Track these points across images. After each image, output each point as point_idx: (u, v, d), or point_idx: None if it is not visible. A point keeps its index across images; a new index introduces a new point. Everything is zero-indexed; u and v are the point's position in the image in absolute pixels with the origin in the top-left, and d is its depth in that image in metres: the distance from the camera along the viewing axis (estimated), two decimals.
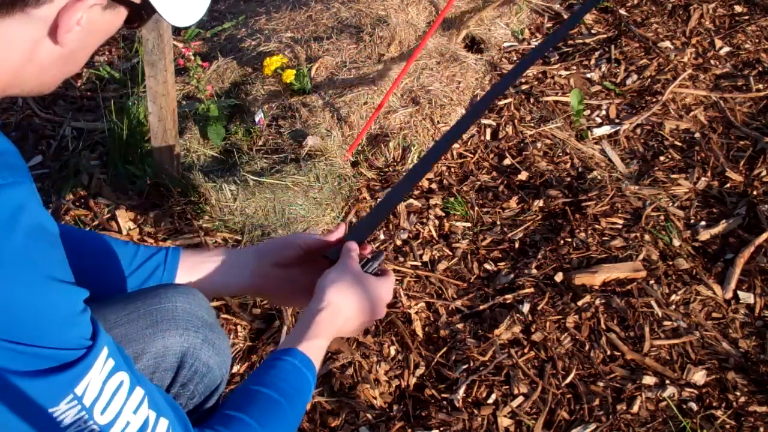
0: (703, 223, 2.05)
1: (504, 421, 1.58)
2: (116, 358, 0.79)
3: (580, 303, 1.80)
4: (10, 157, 0.73)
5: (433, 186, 2.23)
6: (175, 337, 1.02)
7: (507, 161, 2.30)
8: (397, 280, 1.92)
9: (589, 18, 2.94)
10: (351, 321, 1.04)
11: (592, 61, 2.71)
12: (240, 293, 1.17)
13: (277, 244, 1.18)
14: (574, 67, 2.70)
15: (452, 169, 2.29)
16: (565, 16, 2.96)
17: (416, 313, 1.83)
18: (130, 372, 0.80)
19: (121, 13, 0.83)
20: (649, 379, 1.64)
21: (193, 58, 2.22)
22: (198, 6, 0.92)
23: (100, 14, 0.80)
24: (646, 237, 1.98)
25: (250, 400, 0.92)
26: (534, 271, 1.91)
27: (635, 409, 1.58)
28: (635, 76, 2.62)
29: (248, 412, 0.91)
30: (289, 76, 2.36)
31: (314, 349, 0.99)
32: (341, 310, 1.02)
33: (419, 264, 1.97)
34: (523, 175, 2.24)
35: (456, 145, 2.36)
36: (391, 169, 2.27)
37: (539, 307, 1.80)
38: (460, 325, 1.80)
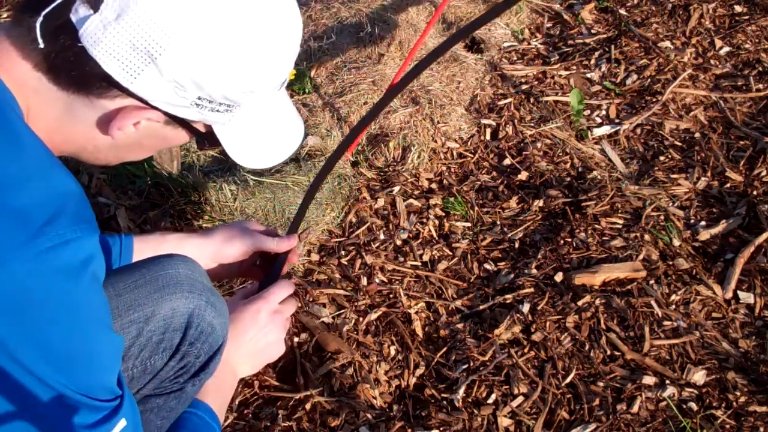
0: (703, 223, 2.05)
1: (504, 421, 1.58)
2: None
3: (580, 303, 1.80)
4: (82, 206, 0.77)
5: (433, 186, 2.23)
6: (181, 299, 1.07)
7: (507, 161, 2.30)
8: (397, 280, 1.92)
9: (589, 18, 2.94)
10: (238, 347, 1.16)
11: (592, 61, 2.71)
12: None
13: (240, 251, 1.27)
14: (574, 67, 2.70)
15: (452, 169, 2.29)
16: (565, 17, 2.96)
17: (416, 313, 1.83)
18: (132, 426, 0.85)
19: (182, 133, 0.89)
20: (649, 379, 1.64)
21: None
22: (268, 158, 0.98)
23: (160, 126, 0.85)
24: (646, 237, 1.98)
25: None
26: (534, 271, 1.91)
27: (635, 409, 1.58)
28: (635, 76, 2.62)
29: None
30: (289, 76, 2.36)
31: (211, 395, 1.11)
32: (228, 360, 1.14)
33: (419, 264, 1.97)
34: (523, 175, 2.24)
35: (456, 145, 2.36)
36: (391, 169, 2.27)
37: (539, 307, 1.80)
38: (460, 325, 1.80)
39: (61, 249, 0.70)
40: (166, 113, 0.82)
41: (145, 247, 1.23)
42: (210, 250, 1.25)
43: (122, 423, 0.80)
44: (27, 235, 0.68)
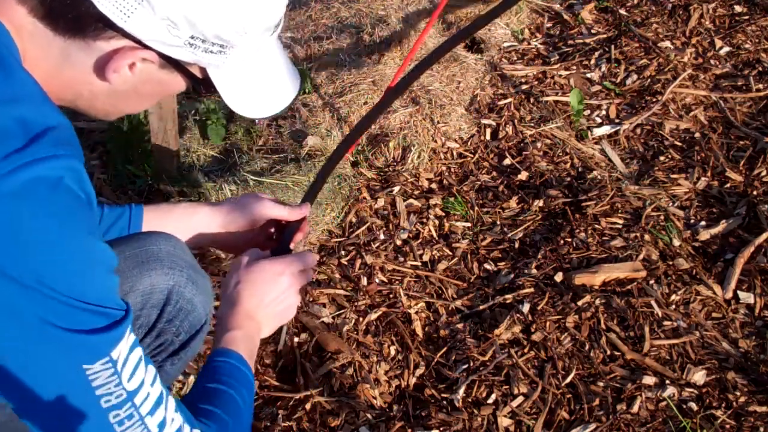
0: (703, 223, 2.05)
1: (504, 421, 1.58)
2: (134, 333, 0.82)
3: (580, 303, 1.80)
4: (65, 131, 0.76)
5: (433, 186, 2.23)
6: (161, 275, 1.06)
7: (507, 161, 2.30)
8: (397, 280, 1.92)
9: (589, 18, 2.94)
10: (263, 306, 1.10)
11: (592, 61, 2.71)
12: (193, 248, 1.24)
13: (249, 218, 1.23)
14: (574, 67, 2.70)
15: (452, 169, 2.29)
16: (565, 17, 2.96)
17: (416, 313, 1.83)
18: (143, 349, 0.82)
19: (178, 78, 0.88)
20: (649, 379, 1.64)
21: None
22: (264, 107, 0.96)
23: (155, 69, 0.85)
24: (646, 237, 1.98)
25: (216, 396, 0.96)
26: (534, 271, 1.91)
27: (635, 409, 1.58)
28: (635, 76, 2.62)
29: (219, 406, 0.94)
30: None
31: (242, 344, 1.04)
32: (250, 301, 1.08)
33: (419, 264, 1.97)
34: (523, 175, 2.24)
35: (456, 145, 2.36)
36: (391, 169, 2.27)
37: (539, 307, 1.80)
38: (460, 325, 1.80)
39: (40, 163, 0.70)
40: (160, 54, 0.82)
41: (153, 216, 1.21)
42: (220, 217, 1.22)
43: (128, 334, 0.78)
44: (6, 151, 0.69)
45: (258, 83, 0.93)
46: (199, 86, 0.89)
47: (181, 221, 1.22)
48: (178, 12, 0.78)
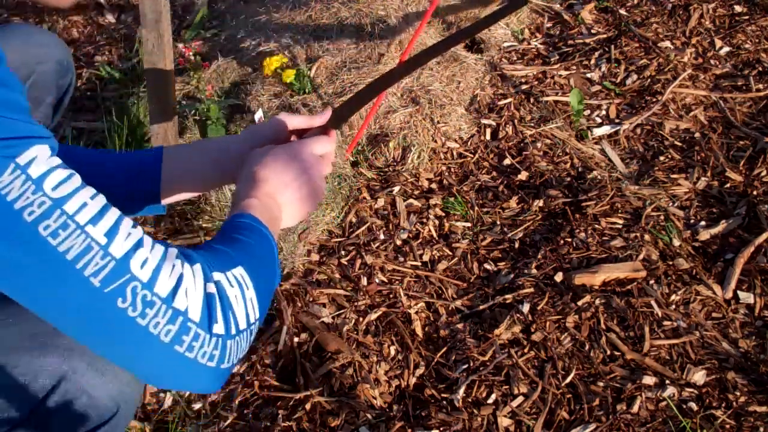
0: (703, 223, 2.05)
1: (504, 421, 1.58)
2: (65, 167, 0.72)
3: (580, 303, 1.80)
4: None
5: (433, 186, 2.23)
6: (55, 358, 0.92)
7: (507, 161, 2.30)
8: (397, 280, 1.92)
9: (589, 18, 2.94)
10: (283, 187, 1.00)
11: (592, 61, 2.71)
12: (227, 182, 1.19)
13: (269, 134, 1.16)
14: (574, 67, 2.69)
15: (452, 169, 2.29)
16: (565, 17, 2.96)
17: (416, 313, 1.83)
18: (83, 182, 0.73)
19: None
20: (649, 379, 1.64)
21: (193, 58, 2.22)
22: None
23: None
24: (646, 237, 1.98)
25: (233, 240, 0.86)
26: (534, 271, 1.91)
27: (635, 409, 1.58)
28: (635, 76, 2.62)
29: (223, 243, 0.85)
30: (289, 76, 2.36)
31: (258, 211, 0.93)
32: (269, 181, 0.99)
33: (419, 264, 1.97)
34: (523, 175, 2.24)
35: (456, 145, 2.36)
36: (391, 169, 2.27)
37: (539, 307, 1.80)
38: (460, 325, 1.80)
39: None
40: None
41: (174, 151, 1.16)
42: (242, 134, 1.16)
43: (43, 148, 0.69)
44: None
45: None
46: None
47: (203, 144, 1.17)
48: None
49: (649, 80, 2.59)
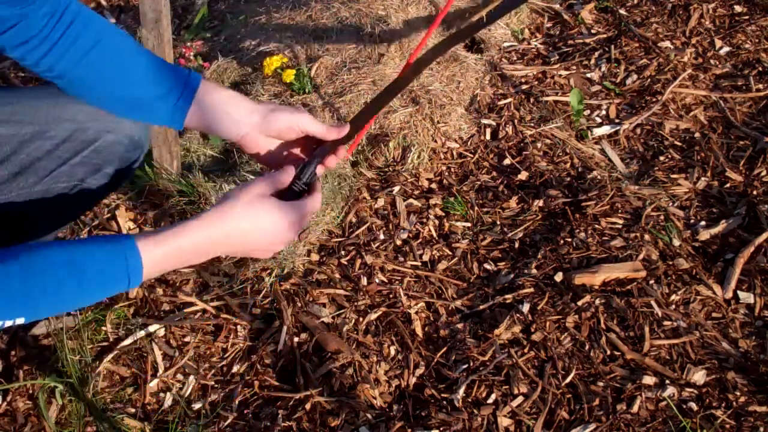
0: (703, 223, 2.05)
1: (504, 421, 1.58)
2: None
3: (580, 303, 1.80)
4: None
5: (433, 186, 2.23)
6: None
7: (507, 161, 2.30)
8: (397, 280, 1.92)
9: (589, 18, 2.94)
10: (238, 244, 1.03)
11: (592, 61, 2.71)
12: (231, 141, 1.21)
13: (284, 124, 1.17)
14: (574, 67, 2.70)
15: (452, 169, 2.29)
16: (565, 17, 2.96)
17: (416, 313, 1.83)
18: None
19: None
20: (649, 379, 1.64)
21: (193, 58, 2.22)
22: None
23: None
24: (646, 237, 1.98)
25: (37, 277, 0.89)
26: (534, 271, 1.91)
27: (635, 409, 1.58)
28: (635, 76, 2.62)
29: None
30: (289, 76, 2.36)
31: (163, 256, 0.97)
32: (231, 234, 1.01)
33: (419, 264, 1.97)
34: (523, 175, 2.24)
35: (456, 145, 2.36)
36: (391, 169, 2.27)
37: (539, 307, 1.80)
38: (460, 325, 1.80)
39: None
40: None
41: (211, 100, 1.18)
42: (257, 115, 1.18)
43: None
44: None
45: None
46: None
47: (221, 104, 1.19)
48: None
49: (649, 80, 2.59)
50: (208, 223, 1.00)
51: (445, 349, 1.74)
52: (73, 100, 1.19)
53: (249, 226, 1.03)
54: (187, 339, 1.78)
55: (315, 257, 1.98)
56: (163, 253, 0.97)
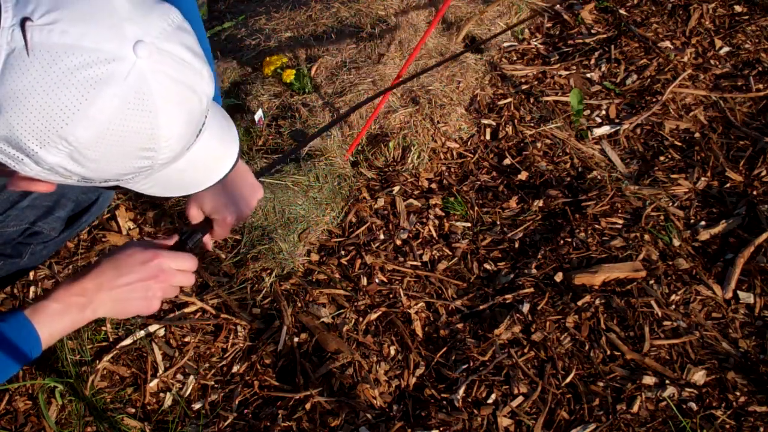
0: (703, 223, 2.05)
1: (504, 421, 1.58)
2: None
3: (580, 303, 1.80)
4: None
5: (433, 186, 2.23)
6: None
7: (507, 161, 2.30)
8: (397, 280, 1.92)
9: (589, 18, 2.94)
10: (109, 287, 1.04)
11: (592, 61, 2.71)
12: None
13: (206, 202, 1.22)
14: (574, 67, 2.69)
15: (452, 169, 2.29)
16: (565, 16, 2.96)
17: (416, 313, 1.83)
18: None
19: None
20: (648, 379, 1.64)
21: None
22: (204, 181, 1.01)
23: None
24: (646, 237, 1.98)
25: None
26: (534, 271, 1.91)
27: (635, 408, 1.58)
28: (635, 76, 2.62)
29: None
30: (289, 76, 2.36)
31: (49, 314, 0.99)
32: (97, 278, 1.03)
33: (419, 264, 1.97)
34: (523, 175, 2.24)
35: (456, 145, 2.36)
36: (391, 169, 2.27)
37: (539, 307, 1.80)
38: (459, 325, 1.80)
39: None
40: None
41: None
42: (211, 190, 1.14)
43: None
44: None
45: (184, 179, 0.92)
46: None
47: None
48: (79, 173, 0.77)
49: (649, 80, 2.59)
50: (78, 274, 1.05)
51: (445, 349, 1.74)
52: None
53: (110, 254, 1.06)
54: (186, 339, 1.78)
55: (315, 257, 1.98)
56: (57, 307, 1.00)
